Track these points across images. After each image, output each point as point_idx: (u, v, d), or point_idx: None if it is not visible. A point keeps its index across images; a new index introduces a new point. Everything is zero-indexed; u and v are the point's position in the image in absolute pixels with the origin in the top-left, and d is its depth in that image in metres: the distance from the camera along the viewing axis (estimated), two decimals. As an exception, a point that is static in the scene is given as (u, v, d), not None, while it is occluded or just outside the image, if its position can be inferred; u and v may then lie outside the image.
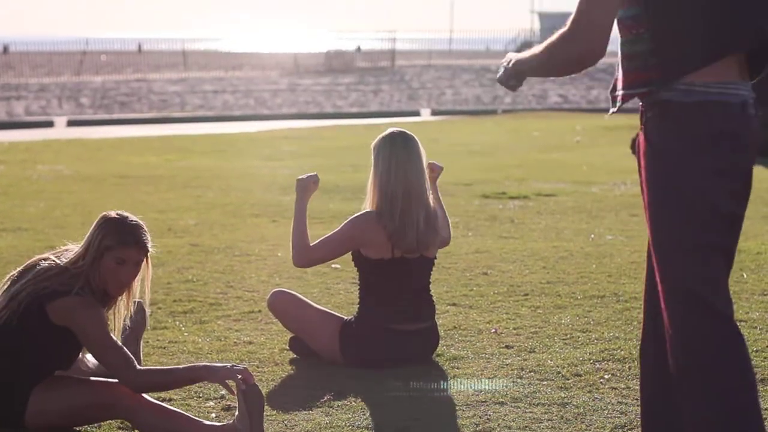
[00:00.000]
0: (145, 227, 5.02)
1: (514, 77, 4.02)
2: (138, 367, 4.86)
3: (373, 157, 5.86)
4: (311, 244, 5.91)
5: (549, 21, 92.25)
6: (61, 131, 25.87)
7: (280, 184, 13.81)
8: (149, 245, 5.00)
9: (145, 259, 5.01)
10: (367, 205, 5.89)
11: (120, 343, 4.88)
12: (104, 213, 5.03)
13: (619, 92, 3.81)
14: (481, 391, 5.48)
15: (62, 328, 4.83)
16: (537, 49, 3.92)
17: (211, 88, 41.79)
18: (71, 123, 28.30)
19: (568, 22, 3.77)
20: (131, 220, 4.98)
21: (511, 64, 4.00)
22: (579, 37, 3.74)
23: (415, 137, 5.89)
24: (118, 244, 4.90)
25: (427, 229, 5.85)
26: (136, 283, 5.06)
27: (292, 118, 30.12)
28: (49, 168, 16.14)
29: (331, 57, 57.22)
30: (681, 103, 3.64)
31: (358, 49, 62.35)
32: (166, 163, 17.20)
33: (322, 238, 5.96)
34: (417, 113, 31.86)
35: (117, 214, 4.99)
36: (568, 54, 3.78)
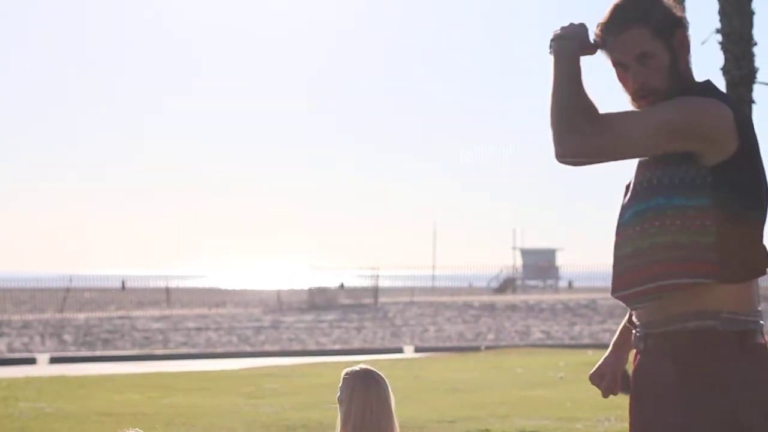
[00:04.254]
0: None
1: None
2: None
3: (345, 398, 5.67)
4: None
5: (531, 257, 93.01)
6: (43, 368, 25.80)
7: (262, 422, 13.73)
8: None
9: None
10: None
11: None
12: None
13: (657, 283, 3.65)
14: None
15: None
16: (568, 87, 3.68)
17: (194, 325, 41.86)
18: (54, 360, 28.26)
19: (599, 118, 3.62)
20: None
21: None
22: (595, 138, 3.61)
23: (386, 380, 5.74)
24: None
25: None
26: None
27: (276, 355, 30.14)
28: (30, 405, 16.03)
29: (314, 294, 57.59)
30: (726, 331, 3.60)
31: (341, 285, 62.76)
32: (148, 400, 17.10)
33: None
34: (400, 350, 31.87)
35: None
36: (573, 132, 3.61)
